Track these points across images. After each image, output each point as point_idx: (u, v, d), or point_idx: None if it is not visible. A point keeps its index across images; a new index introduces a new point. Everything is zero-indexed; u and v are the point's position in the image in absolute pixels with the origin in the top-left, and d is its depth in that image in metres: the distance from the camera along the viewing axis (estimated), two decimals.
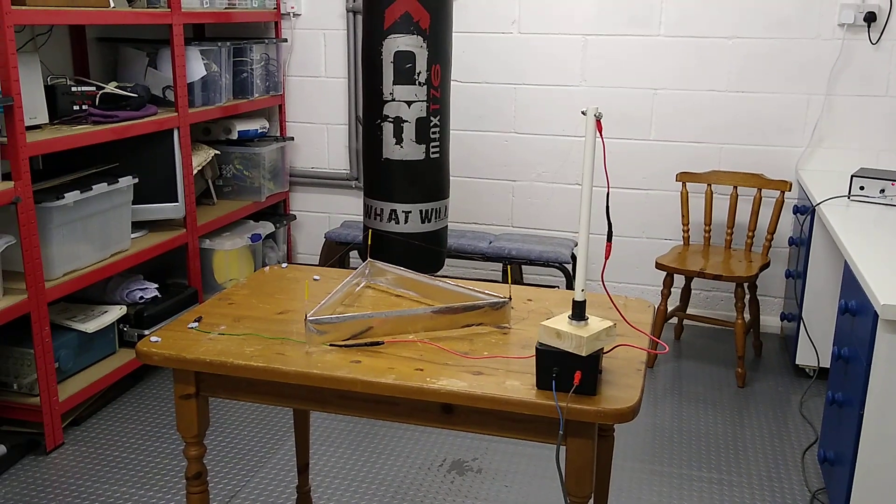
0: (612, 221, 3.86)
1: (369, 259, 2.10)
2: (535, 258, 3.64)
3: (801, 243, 3.40)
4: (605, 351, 1.58)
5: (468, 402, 1.56)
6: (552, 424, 1.58)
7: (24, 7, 2.52)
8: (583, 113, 1.40)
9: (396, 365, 1.66)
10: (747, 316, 3.85)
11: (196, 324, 1.86)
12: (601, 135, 1.47)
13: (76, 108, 2.95)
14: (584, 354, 1.49)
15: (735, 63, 3.65)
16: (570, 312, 1.56)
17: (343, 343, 1.75)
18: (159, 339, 1.77)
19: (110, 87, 3.11)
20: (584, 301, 1.53)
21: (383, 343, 1.75)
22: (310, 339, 1.73)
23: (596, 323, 1.54)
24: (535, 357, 1.56)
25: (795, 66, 3.59)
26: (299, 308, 1.97)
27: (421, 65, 2.89)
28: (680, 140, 3.78)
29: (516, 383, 1.58)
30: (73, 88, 2.95)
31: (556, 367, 1.52)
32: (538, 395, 1.53)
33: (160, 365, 1.73)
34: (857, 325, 2.25)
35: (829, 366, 3.30)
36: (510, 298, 1.85)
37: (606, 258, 1.55)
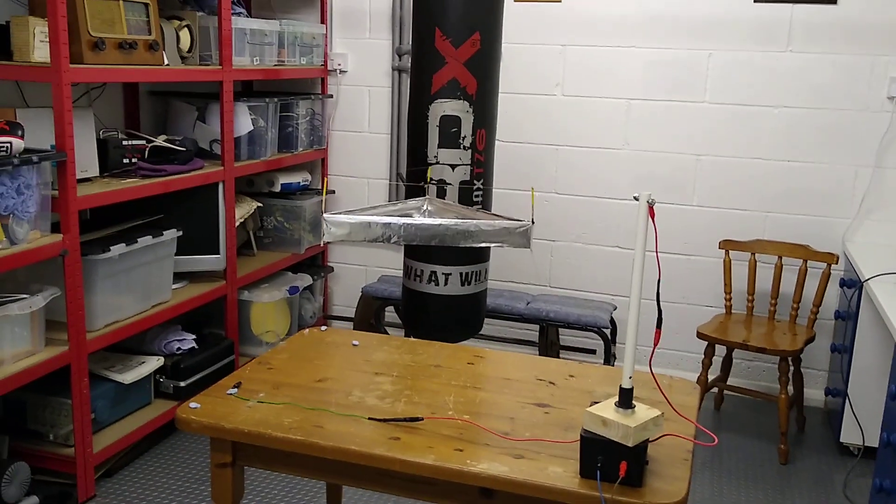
0: (657, 295, 3.81)
1: (428, 196, 2.03)
2: (574, 321, 3.60)
3: (847, 317, 3.32)
4: (651, 439, 1.54)
5: (509, 487, 1.52)
6: None
7: (81, 65, 2.58)
8: (635, 198, 1.39)
9: (435, 444, 1.63)
10: (791, 390, 3.76)
11: (235, 390, 1.85)
12: (653, 220, 1.45)
13: (126, 161, 3.00)
14: (630, 445, 1.45)
15: (781, 132, 3.62)
16: (615, 399, 1.52)
17: (382, 418, 1.72)
18: (199, 406, 1.76)
19: (160, 141, 3.17)
20: (632, 389, 1.49)
21: (422, 419, 1.72)
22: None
23: (643, 412, 1.50)
24: (578, 442, 1.53)
25: (843, 138, 3.55)
26: (337, 376, 1.96)
27: (466, 129, 2.91)
28: (723, 207, 3.74)
29: (559, 469, 1.54)
30: (124, 142, 3.00)
31: (601, 456, 1.48)
32: (581, 484, 1.49)
33: (199, 433, 1.72)
34: None
35: (874, 445, 3.20)
36: (533, 222, 1.80)
37: (655, 345, 1.51)
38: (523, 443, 1.64)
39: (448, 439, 1.65)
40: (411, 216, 2.07)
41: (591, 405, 1.55)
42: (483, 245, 1.77)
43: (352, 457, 1.61)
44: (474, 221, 1.74)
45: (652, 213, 1.45)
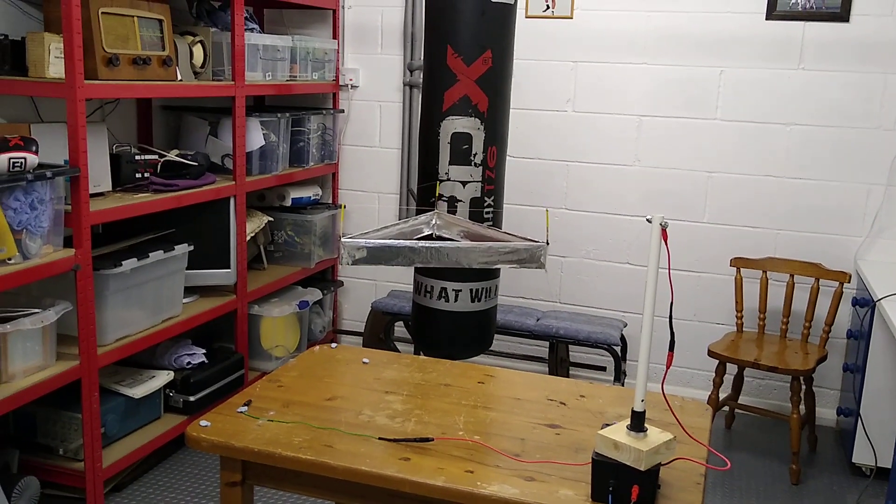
0: (667, 311, 3.80)
1: (436, 211, 2.04)
2: (584, 339, 3.58)
3: (860, 337, 3.29)
4: (663, 463, 1.53)
5: None
6: None
7: (96, 81, 2.60)
8: (648, 220, 1.38)
9: (446, 465, 1.62)
10: (802, 409, 3.73)
11: (245, 408, 1.85)
12: (666, 243, 1.45)
13: (138, 175, 3.02)
14: (642, 469, 1.44)
15: (793, 149, 3.61)
16: (627, 422, 1.51)
17: (392, 438, 1.72)
18: (209, 424, 1.76)
19: (172, 155, 3.18)
20: (644, 412, 1.48)
21: (433, 440, 1.72)
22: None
23: (655, 435, 1.49)
24: (589, 465, 1.52)
25: (855, 156, 3.53)
26: (348, 394, 1.95)
27: (477, 146, 2.91)
28: (735, 224, 3.73)
29: (570, 493, 1.53)
30: (137, 157, 3.02)
31: (612, 479, 1.47)
32: None
33: (209, 452, 1.72)
34: None
35: (887, 465, 3.17)
36: (547, 243, 1.81)
37: (668, 367, 1.50)
38: (534, 465, 1.63)
39: (458, 460, 1.64)
40: (422, 231, 2.07)
41: (602, 427, 1.54)
42: (497, 266, 1.77)
43: (362, 477, 1.61)
44: (489, 243, 1.75)
45: (665, 236, 1.44)
